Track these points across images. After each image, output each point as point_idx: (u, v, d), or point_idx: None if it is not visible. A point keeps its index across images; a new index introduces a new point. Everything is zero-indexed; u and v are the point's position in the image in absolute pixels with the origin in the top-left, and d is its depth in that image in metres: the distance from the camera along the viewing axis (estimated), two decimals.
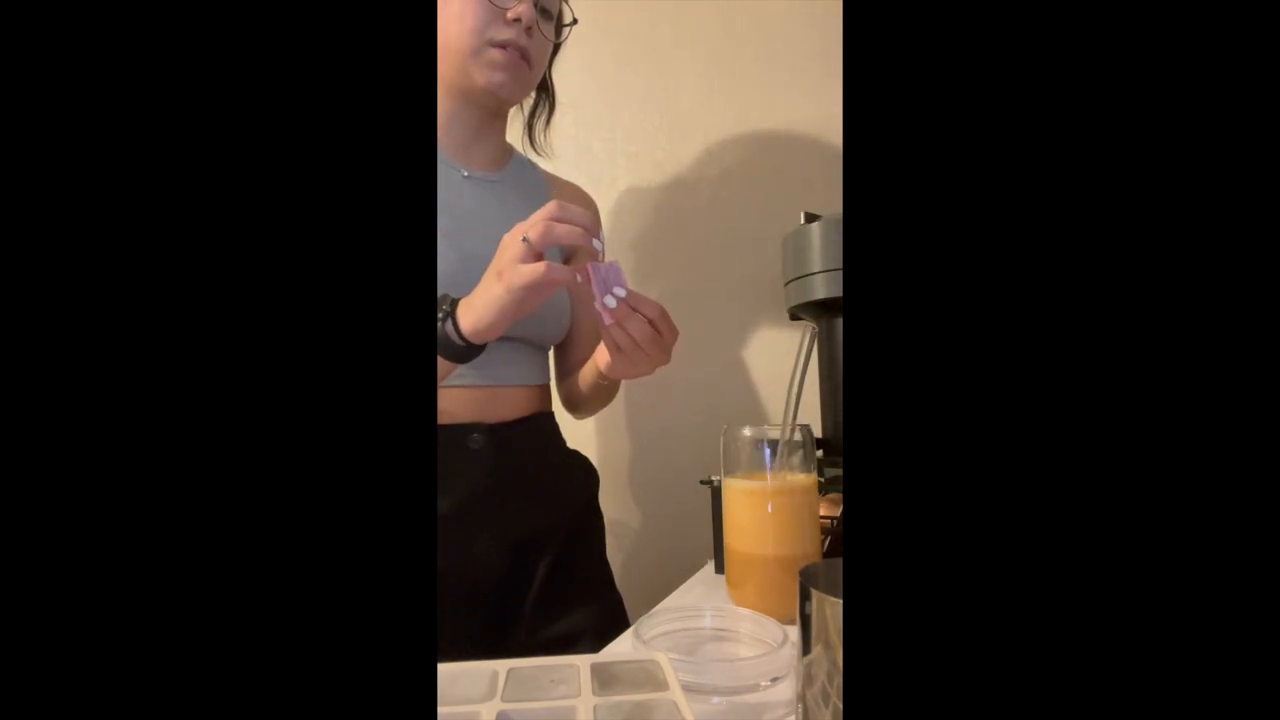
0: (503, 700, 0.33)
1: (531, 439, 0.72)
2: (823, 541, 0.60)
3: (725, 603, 0.58)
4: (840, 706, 0.29)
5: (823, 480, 0.62)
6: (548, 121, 0.85)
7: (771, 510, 0.55)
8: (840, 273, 0.66)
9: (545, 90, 0.83)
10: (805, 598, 0.31)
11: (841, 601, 0.29)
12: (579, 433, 1.05)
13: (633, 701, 0.33)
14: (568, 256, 0.78)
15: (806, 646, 0.32)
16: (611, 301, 0.52)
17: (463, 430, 0.66)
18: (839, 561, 0.34)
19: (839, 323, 0.72)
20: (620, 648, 0.51)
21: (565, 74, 0.84)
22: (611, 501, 1.09)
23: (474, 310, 0.53)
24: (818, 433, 0.77)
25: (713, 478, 0.64)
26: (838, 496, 0.66)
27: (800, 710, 0.33)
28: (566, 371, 0.82)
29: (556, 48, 0.77)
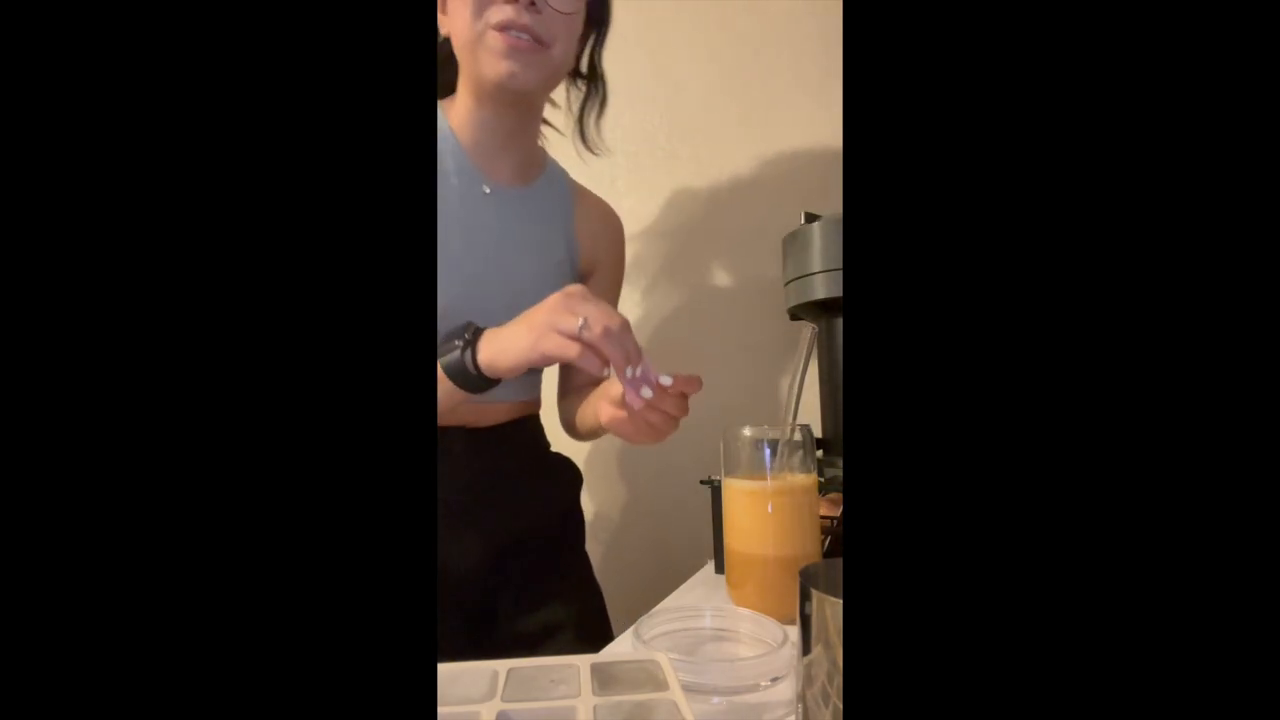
0: (503, 700, 0.33)
1: (512, 443, 0.70)
2: (823, 541, 0.60)
3: (725, 603, 0.58)
4: (840, 706, 0.29)
5: (823, 480, 0.62)
6: (599, 113, 0.75)
7: (771, 510, 0.55)
8: (840, 273, 0.66)
9: (591, 77, 0.73)
10: (805, 598, 0.31)
11: (841, 601, 0.29)
12: None
13: (633, 701, 0.33)
14: (585, 274, 0.76)
15: (806, 646, 0.32)
16: (641, 396, 0.51)
17: (441, 434, 0.64)
18: (839, 561, 0.34)
19: (839, 323, 0.72)
20: (620, 648, 0.51)
21: None
22: (611, 501, 1.09)
23: (495, 349, 0.52)
24: (818, 433, 0.77)
25: (713, 478, 0.64)
26: (838, 496, 0.66)
27: (800, 710, 0.33)
28: (569, 390, 0.79)
29: (598, 25, 0.69)
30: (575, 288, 0.51)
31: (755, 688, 0.42)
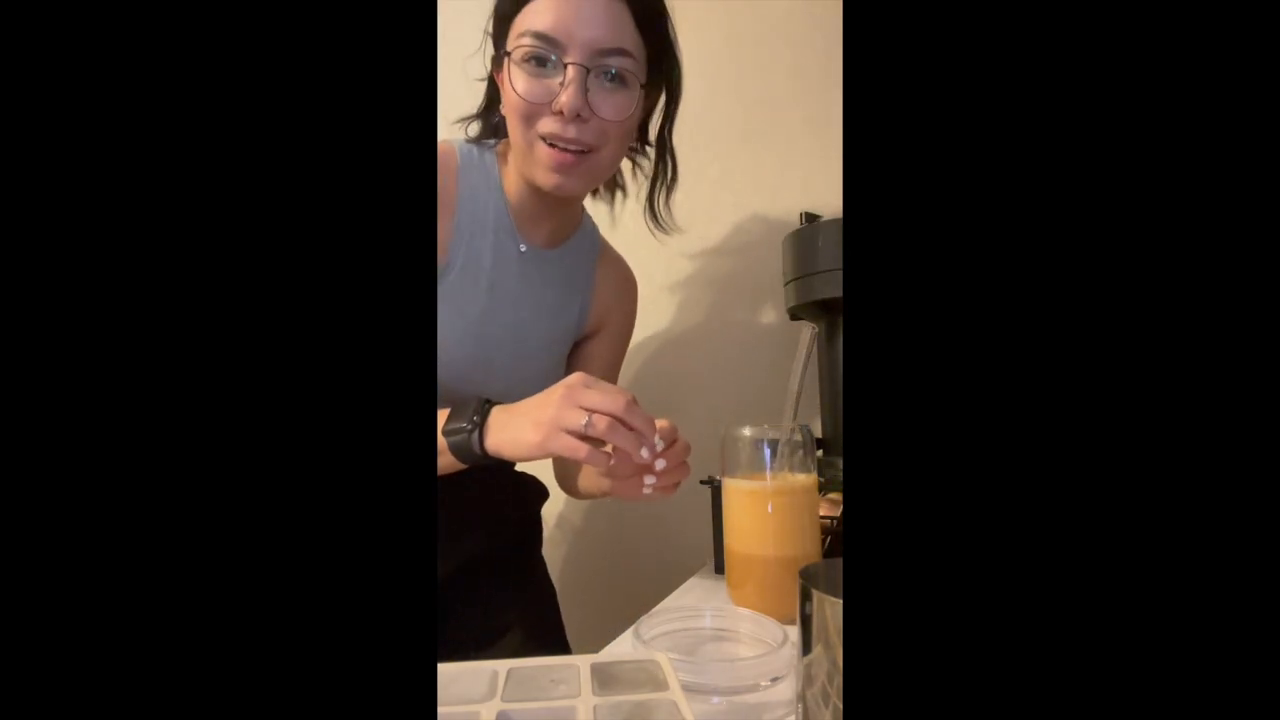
0: (503, 700, 0.33)
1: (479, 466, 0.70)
2: (823, 541, 0.60)
3: (725, 603, 0.58)
4: (840, 706, 0.29)
5: (823, 480, 0.62)
6: (669, 193, 0.71)
7: (771, 510, 0.55)
8: (840, 273, 0.66)
9: (662, 157, 0.69)
10: (805, 598, 0.31)
11: (841, 601, 0.29)
12: None
13: (633, 701, 0.33)
14: (591, 332, 0.75)
15: (806, 646, 0.32)
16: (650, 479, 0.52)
17: None
18: (839, 561, 0.34)
19: (839, 323, 0.72)
20: (620, 648, 0.51)
21: None
22: (611, 501, 1.09)
23: (503, 439, 0.52)
24: (818, 433, 0.77)
25: (713, 477, 0.64)
26: (838, 496, 0.66)
27: (800, 710, 0.33)
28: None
29: (668, 106, 0.66)
30: (577, 378, 0.50)
31: (755, 688, 0.42)
